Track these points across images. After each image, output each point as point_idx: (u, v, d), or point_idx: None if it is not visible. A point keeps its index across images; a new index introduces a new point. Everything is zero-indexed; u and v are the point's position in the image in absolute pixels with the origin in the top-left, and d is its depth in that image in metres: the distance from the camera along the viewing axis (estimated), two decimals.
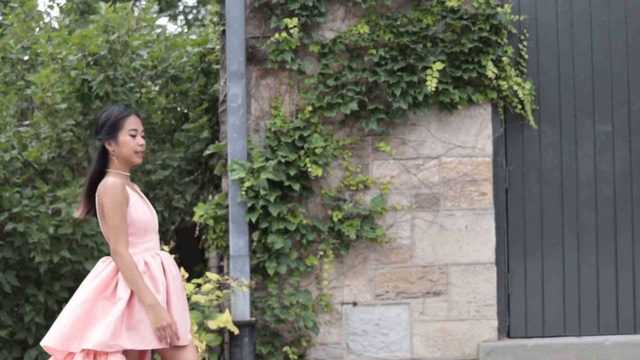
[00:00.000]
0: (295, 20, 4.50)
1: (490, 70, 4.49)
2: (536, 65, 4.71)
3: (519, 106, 4.61)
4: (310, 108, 4.56)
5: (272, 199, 4.43)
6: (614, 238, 4.69)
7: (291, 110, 4.65)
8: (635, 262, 4.69)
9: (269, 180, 4.47)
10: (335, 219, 4.53)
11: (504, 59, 4.54)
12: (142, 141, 3.13)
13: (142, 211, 3.09)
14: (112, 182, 3.01)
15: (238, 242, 4.54)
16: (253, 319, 4.48)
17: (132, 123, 3.12)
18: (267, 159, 4.52)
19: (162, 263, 3.09)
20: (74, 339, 2.94)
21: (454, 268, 4.59)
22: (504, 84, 4.55)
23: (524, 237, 4.67)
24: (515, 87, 4.55)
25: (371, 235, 4.52)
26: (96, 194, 3.03)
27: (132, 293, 2.97)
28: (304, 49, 4.61)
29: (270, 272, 4.48)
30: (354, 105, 4.51)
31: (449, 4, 4.54)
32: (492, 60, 4.55)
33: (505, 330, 4.66)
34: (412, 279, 4.59)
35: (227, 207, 4.59)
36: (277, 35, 4.51)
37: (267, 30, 4.64)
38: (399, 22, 4.58)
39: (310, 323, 4.46)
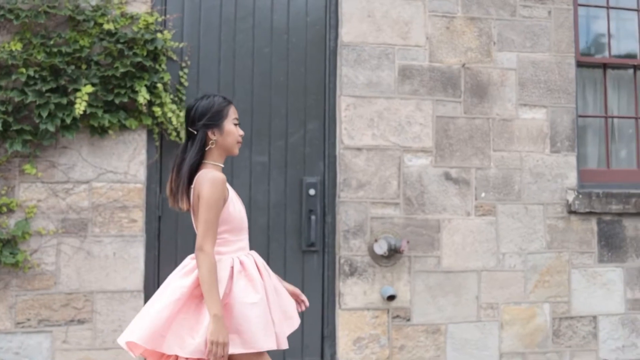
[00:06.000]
0: None
1: (142, 96, 4.87)
2: (196, 94, 5.14)
3: (174, 133, 5.00)
4: None
5: None
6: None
7: None
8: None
9: None
10: None
11: (159, 85, 4.93)
12: (242, 132, 3.29)
13: (238, 208, 3.23)
14: (215, 175, 3.12)
15: None
16: None
17: (235, 112, 3.29)
18: None
19: (255, 262, 3.25)
20: (162, 337, 3.03)
21: (100, 296, 4.92)
22: (158, 111, 4.94)
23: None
24: (170, 115, 4.94)
25: (11, 260, 4.77)
26: (193, 185, 3.14)
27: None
28: None
29: None
30: None
31: (106, 26, 4.88)
32: (146, 86, 4.92)
33: None
34: (55, 307, 4.87)
35: None
36: None
37: None
38: (52, 42, 4.87)
39: None
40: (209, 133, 3.21)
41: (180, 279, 3.17)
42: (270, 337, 3.15)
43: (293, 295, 3.58)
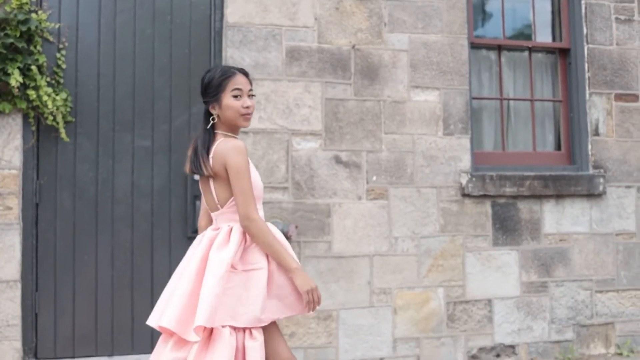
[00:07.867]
0: None
1: (15, 79, 4.81)
2: (75, 76, 5.09)
3: (51, 117, 4.94)
4: None
5: None
6: (150, 255, 5.16)
7: None
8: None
9: None
10: None
11: (33, 67, 4.87)
12: (249, 102, 3.23)
13: (258, 176, 3.28)
14: (235, 144, 3.14)
15: None
16: None
17: (236, 82, 3.22)
18: None
19: None
20: (215, 315, 3.04)
21: None
22: (33, 94, 4.88)
23: (55, 254, 5.03)
24: (46, 98, 4.88)
25: None
26: (212, 155, 3.14)
27: (268, 259, 3.12)
28: None
29: None
30: None
31: None
32: (19, 68, 4.85)
33: (32, 351, 4.99)
34: None
35: None
36: None
37: None
38: None
39: None
40: (210, 108, 3.25)
41: (219, 252, 3.13)
42: (301, 300, 3.22)
43: None
